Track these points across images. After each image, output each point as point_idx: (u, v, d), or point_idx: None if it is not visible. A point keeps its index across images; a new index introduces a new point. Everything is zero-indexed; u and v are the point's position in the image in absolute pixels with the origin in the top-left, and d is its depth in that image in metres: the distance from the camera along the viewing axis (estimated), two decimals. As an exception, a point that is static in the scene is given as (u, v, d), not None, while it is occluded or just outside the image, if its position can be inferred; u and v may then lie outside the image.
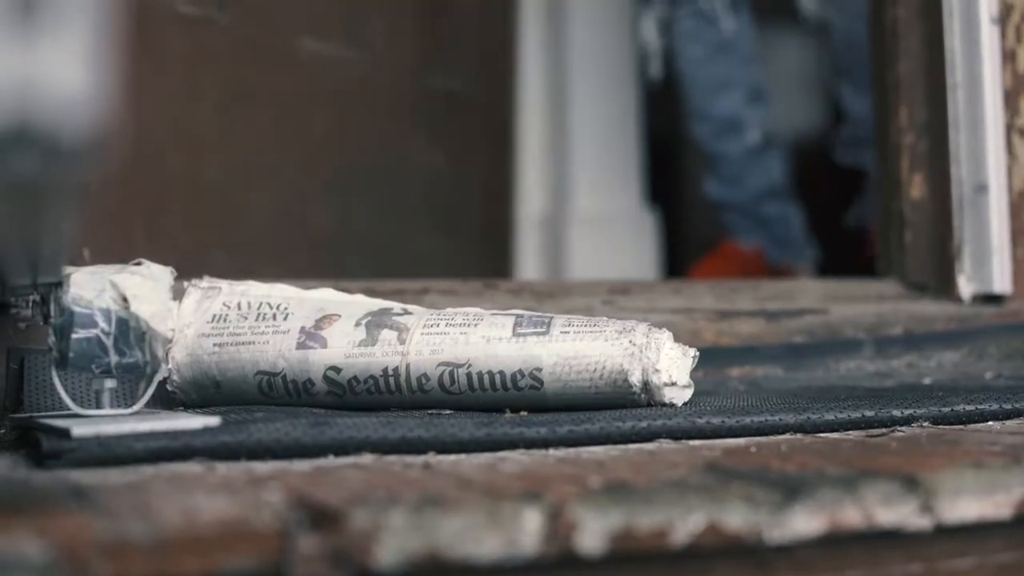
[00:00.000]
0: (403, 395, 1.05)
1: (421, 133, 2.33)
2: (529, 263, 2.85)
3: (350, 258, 2.10)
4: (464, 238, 2.49)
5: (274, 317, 1.09)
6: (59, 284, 0.92)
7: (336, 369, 1.06)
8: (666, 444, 0.92)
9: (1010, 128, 1.62)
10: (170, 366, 1.08)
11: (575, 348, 1.03)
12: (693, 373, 1.08)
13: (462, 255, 2.42)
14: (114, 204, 1.58)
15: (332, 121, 2.09)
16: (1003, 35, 1.62)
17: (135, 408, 0.95)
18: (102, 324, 0.92)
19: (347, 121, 2.10)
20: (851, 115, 2.58)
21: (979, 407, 1.04)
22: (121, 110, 0.40)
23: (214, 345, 1.08)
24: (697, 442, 0.93)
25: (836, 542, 0.70)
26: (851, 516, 0.69)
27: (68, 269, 0.93)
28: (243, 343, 1.08)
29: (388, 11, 2.24)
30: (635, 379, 1.03)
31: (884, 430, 0.99)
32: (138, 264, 0.96)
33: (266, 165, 1.94)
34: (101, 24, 0.37)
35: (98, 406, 0.94)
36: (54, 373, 0.95)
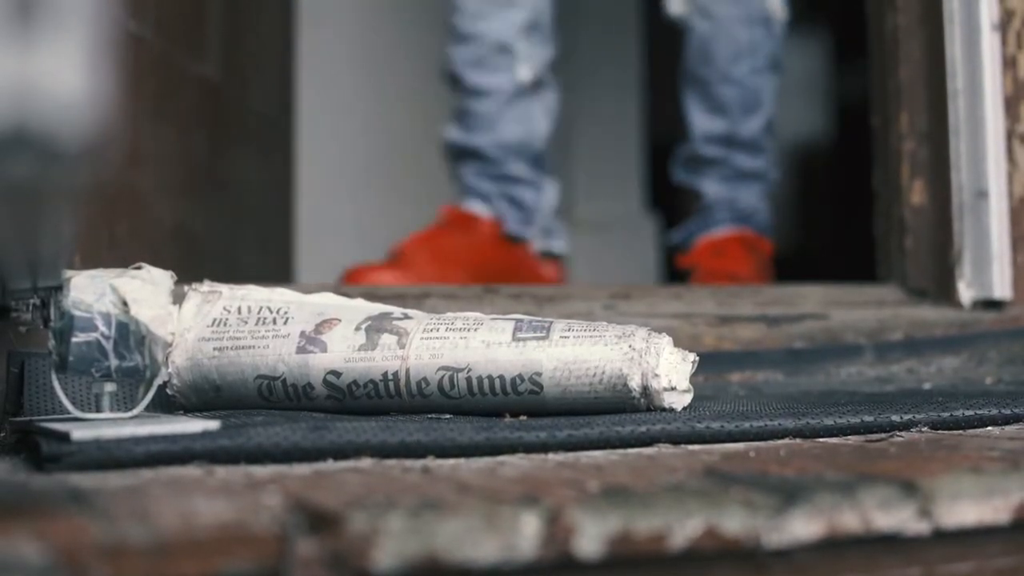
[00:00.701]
0: (403, 399, 1.05)
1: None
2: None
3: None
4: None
5: (274, 321, 1.09)
6: (59, 288, 0.92)
7: (336, 373, 1.06)
8: (665, 449, 0.92)
9: (1011, 134, 1.62)
10: (170, 370, 1.08)
11: (575, 353, 1.03)
12: (693, 378, 1.08)
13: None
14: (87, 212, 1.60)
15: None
16: (1004, 41, 1.62)
17: (135, 412, 0.95)
18: (102, 328, 0.92)
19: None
20: (694, 132, 2.29)
21: (978, 412, 1.04)
22: (114, 114, 0.40)
23: (214, 349, 1.08)
24: (696, 447, 0.93)
25: (834, 547, 0.70)
26: (849, 521, 0.69)
27: (68, 273, 0.93)
28: (243, 347, 1.08)
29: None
30: (635, 384, 1.03)
31: (883, 435, 0.99)
32: (138, 268, 0.97)
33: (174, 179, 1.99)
34: (97, 28, 0.38)
35: (98, 410, 0.94)
36: (54, 377, 0.95)
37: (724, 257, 2.22)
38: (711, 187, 2.29)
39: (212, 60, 2.17)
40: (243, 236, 2.41)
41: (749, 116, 2.27)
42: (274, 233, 2.66)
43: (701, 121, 2.27)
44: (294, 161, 2.76)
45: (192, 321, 1.10)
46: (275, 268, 2.57)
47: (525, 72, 2.09)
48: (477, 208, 2.11)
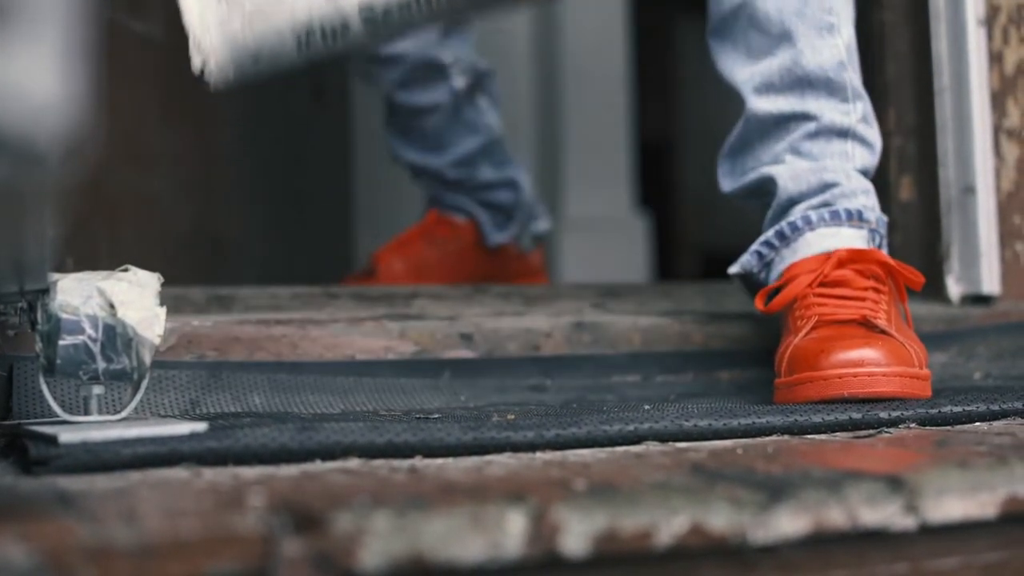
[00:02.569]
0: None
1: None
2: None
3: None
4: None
5: None
6: (46, 291, 0.92)
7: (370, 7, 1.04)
8: (653, 446, 0.92)
9: (997, 129, 1.62)
10: (204, 57, 1.06)
11: None
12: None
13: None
14: (85, 214, 1.60)
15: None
16: (990, 37, 1.62)
17: (123, 414, 0.95)
18: (89, 330, 0.92)
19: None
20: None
21: (967, 408, 1.05)
22: (92, 116, 0.40)
23: (242, 20, 1.05)
24: (684, 444, 0.93)
25: (821, 542, 0.70)
26: (835, 516, 0.69)
27: (55, 276, 0.93)
28: (270, 8, 1.05)
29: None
30: None
31: (871, 431, 0.99)
32: (125, 270, 0.96)
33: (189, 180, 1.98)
34: (73, 33, 0.38)
35: (86, 412, 0.94)
36: (42, 380, 0.95)
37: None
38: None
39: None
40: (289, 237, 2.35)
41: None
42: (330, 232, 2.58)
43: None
44: (352, 160, 2.71)
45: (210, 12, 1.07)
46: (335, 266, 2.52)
47: (460, 80, 1.96)
48: (455, 215, 2.00)
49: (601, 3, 2.97)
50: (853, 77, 1.34)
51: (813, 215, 1.27)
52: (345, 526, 0.60)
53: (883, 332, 1.14)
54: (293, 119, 2.41)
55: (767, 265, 1.32)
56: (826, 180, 1.30)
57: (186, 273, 1.88)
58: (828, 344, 1.11)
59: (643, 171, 3.06)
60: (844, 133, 1.33)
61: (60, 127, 0.38)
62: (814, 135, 1.32)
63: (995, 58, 1.63)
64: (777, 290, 1.24)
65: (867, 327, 1.15)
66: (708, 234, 3.70)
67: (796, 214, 1.29)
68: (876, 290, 1.21)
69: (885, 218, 1.33)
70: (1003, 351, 1.56)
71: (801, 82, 1.31)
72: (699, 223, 3.78)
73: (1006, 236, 1.62)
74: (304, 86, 2.43)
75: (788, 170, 1.31)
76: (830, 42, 1.33)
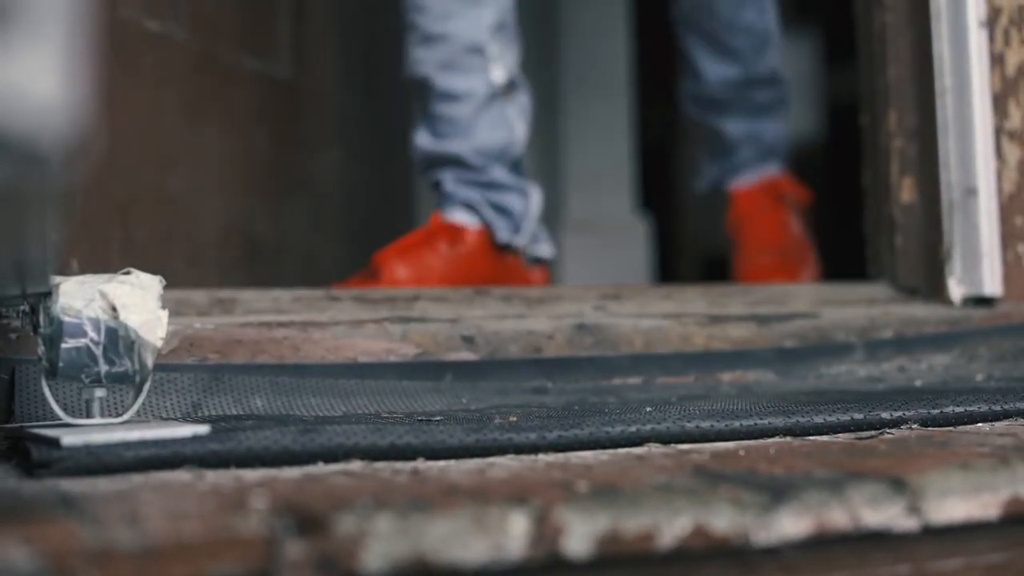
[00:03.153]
0: None
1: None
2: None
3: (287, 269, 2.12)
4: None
5: None
6: (48, 294, 0.92)
7: None
8: (655, 448, 0.92)
9: (999, 131, 1.62)
10: None
11: None
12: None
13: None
14: (91, 215, 1.59)
15: (270, 138, 2.12)
16: (991, 39, 1.62)
17: (125, 417, 0.95)
18: (91, 334, 0.92)
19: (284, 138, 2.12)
20: (706, 77, 2.22)
21: (968, 409, 1.05)
22: (95, 118, 0.40)
23: None
24: (686, 446, 0.93)
25: (823, 544, 0.70)
26: (838, 518, 0.69)
27: (57, 279, 0.93)
28: None
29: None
30: None
31: (873, 432, 0.99)
32: (127, 273, 0.96)
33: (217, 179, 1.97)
34: (75, 34, 0.38)
35: (88, 415, 0.94)
36: (44, 383, 0.95)
37: (768, 212, 2.18)
38: (732, 125, 2.23)
39: (279, 58, 2.12)
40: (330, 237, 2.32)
41: (762, 54, 2.21)
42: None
43: (713, 68, 2.21)
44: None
45: None
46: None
47: (499, 74, 1.97)
48: (463, 218, 1.97)
49: (602, 4, 2.98)
50: None
51: None
52: (347, 528, 0.60)
53: None
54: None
55: None
56: None
57: (219, 273, 1.87)
58: None
59: (644, 173, 3.06)
60: None
61: (62, 129, 0.39)
62: None
63: (996, 60, 1.63)
64: None
65: None
66: (709, 236, 3.70)
67: None
68: None
69: None
70: (1005, 352, 1.55)
71: None
72: (700, 225, 3.78)
73: (1008, 238, 1.62)
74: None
75: None
76: None
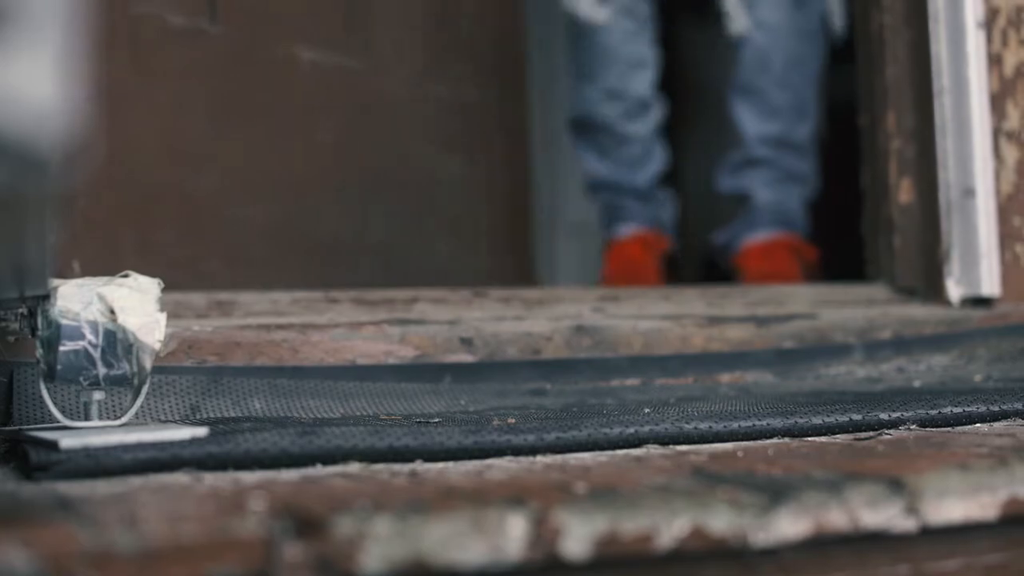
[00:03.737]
0: None
1: (429, 139, 2.28)
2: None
3: (363, 266, 2.07)
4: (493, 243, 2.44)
5: None
6: (46, 297, 0.92)
7: None
8: (653, 449, 0.92)
9: (997, 132, 1.62)
10: None
11: None
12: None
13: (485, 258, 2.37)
14: (104, 216, 1.58)
15: (335, 131, 2.07)
16: (989, 39, 1.62)
17: (123, 419, 0.95)
18: (90, 336, 0.92)
19: (352, 130, 2.07)
20: (747, 135, 2.45)
21: (967, 409, 1.05)
22: (94, 121, 0.40)
23: None
24: (685, 447, 0.93)
25: (822, 544, 0.70)
26: (836, 518, 0.69)
27: (55, 282, 0.93)
28: None
29: (393, 19, 2.21)
30: None
31: (872, 433, 0.99)
32: (125, 276, 0.96)
33: (263, 176, 1.92)
34: (73, 37, 0.38)
35: (86, 418, 0.94)
36: (42, 386, 0.95)
37: (772, 260, 2.37)
38: (759, 190, 2.44)
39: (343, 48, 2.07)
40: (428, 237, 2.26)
41: (800, 121, 2.44)
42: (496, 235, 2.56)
43: (754, 125, 2.43)
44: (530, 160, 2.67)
45: None
46: (514, 269, 2.47)
47: (657, 115, 2.52)
48: (640, 231, 2.50)
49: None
50: None
51: None
52: (346, 530, 0.60)
53: None
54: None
55: None
56: None
57: (268, 273, 1.83)
58: None
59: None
60: None
61: (60, 132, 0.38)
62: None
63: (994, 60, 1.63)
64: None
65: None
66: (708, 239, 3.70)
67: None
68: None
69: None
70: (1003, 353, 1.56)
71: None
72: (699, 228, 3.78)
73: (1006, 238, 1.62)
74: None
75: None
76: None
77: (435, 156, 2.28)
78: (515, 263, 2.51)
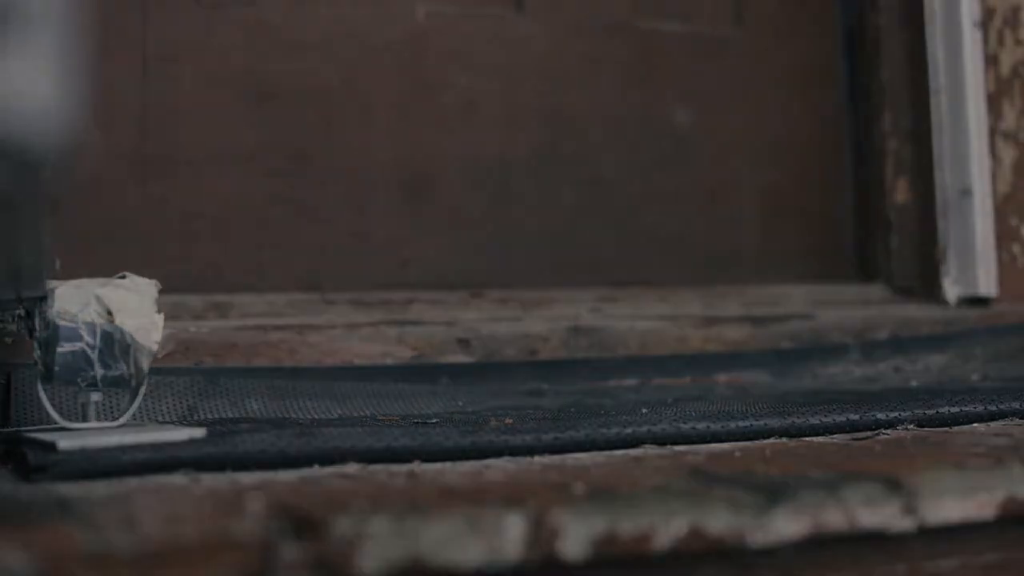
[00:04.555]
0: None
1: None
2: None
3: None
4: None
5: None
6: (44, 298, 0.92)
7: None
8: (651, 450, 0.92)
9: (994, 132, 1.62)
10: None
11: None
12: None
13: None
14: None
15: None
16: (985, 39, 1.62)
17: (121, 421, 0.95)
18: (87, 337, 0.92)
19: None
20: None
21: (964, 409, 1.05)
22: (90, 123, 0.40)
23: None
24: (682, 447, 0.93)
25: (819, 544, 0.70)
26: (834, 518, 0.69)
27: (53, 283, 0.93)
28: None
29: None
30: None
31: (869, 433, 0.99)
32: (122, 277, 0.96)
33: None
34: (72, 38, 0.38)
35: (84, 419, 0.94)
36: (40, 387, 0.95)
37: None
38: None
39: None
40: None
41: None
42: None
43: None
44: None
45: None
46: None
47: None
48: None
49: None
50: None
51: None
52: (344, 531, 0.60)
53: None
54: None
55: None
56: None
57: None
58: None
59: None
60: None
61: (57, 134, 0.38)
62: None
63: (991, 60, 1.63)
64: None
65: None
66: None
67: None
68: None
69: None
70: (1000, 352, 1.56)
71: None
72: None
73: (1002, 238, 1.62)
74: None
75: None
76: None
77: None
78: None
